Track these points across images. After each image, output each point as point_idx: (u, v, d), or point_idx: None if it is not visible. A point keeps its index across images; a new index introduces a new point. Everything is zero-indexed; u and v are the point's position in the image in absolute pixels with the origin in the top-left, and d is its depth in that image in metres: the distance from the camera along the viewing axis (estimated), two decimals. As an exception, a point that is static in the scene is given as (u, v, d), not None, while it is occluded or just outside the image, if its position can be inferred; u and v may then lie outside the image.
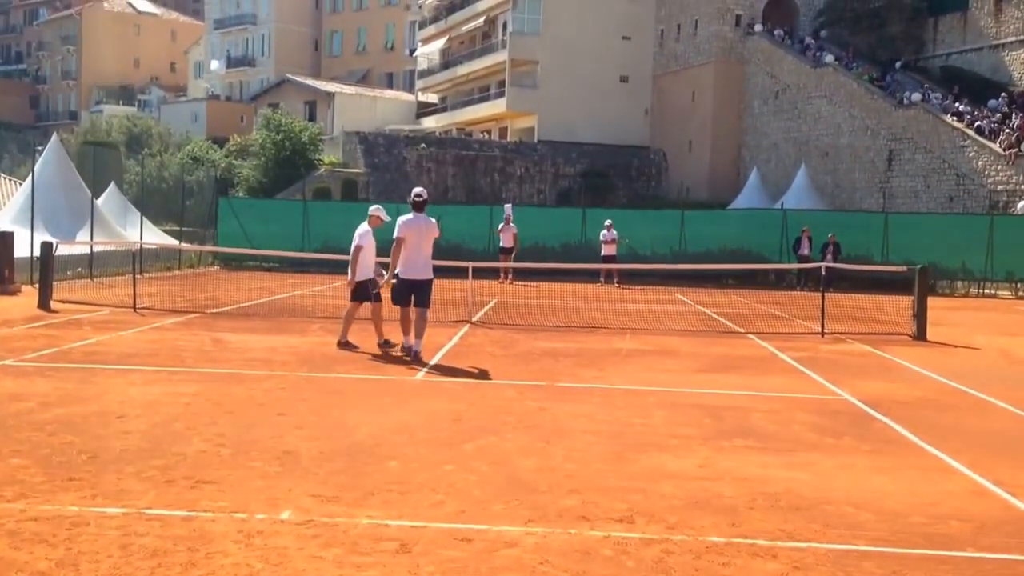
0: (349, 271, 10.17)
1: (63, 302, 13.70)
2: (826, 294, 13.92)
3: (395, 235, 9.38)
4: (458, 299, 14.46)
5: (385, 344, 10.07)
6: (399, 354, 9.76)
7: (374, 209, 10.53)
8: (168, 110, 67.55)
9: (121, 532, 4.21)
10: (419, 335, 9.56)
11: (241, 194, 36.55)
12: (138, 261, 15.44)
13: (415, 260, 9.45)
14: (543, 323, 13.55)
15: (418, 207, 9.57)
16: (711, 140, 40.83)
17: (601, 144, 43.25)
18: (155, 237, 24.40)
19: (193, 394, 7.43)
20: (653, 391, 8.43)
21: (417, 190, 9.86)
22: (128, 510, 4.52)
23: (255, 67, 68.94)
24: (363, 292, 10.18)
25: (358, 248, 10.01)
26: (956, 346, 12.54)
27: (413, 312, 9.63)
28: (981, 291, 24.37)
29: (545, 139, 43.58)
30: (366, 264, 10.19)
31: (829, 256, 22.23)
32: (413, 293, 9.52)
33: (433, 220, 9.69)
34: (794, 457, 6.13)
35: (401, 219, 9.48)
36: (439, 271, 10.23)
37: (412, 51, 60.26)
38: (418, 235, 9.45)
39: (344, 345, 10.24)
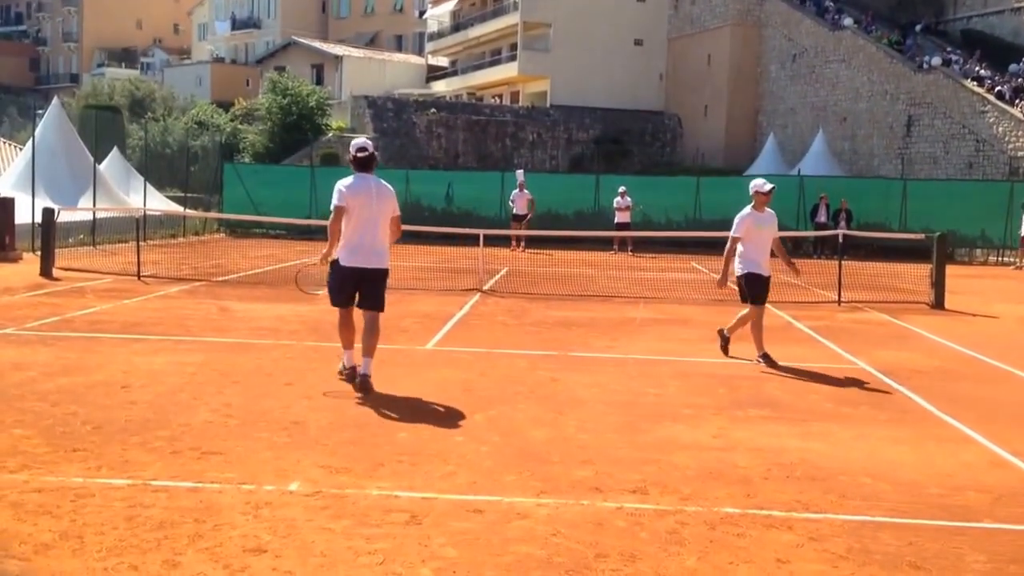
0: (722, 267, 8.34)
1: (65, 270, 13.62)
2: (843, 262, 13.74)
3: (332, 204, 6.51)
4: (469, 267, 14.34)
5: (765, 358, 8.12)
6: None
7: (756, 185, 8.23)
8: (172, 73, 66.79)
9: (127, 504, 4.17)
10: (368, 352, 6.53)
11: (247, 159, 36.25)
12: (142, 228, 15.34)
13: (361, 240, 6.50)
14: (555, 292, 13.44)
15: (363, 165, 6.58)
16: (727, 105, 40.23)
17: (615, 109, 42.67)
18: (159, 203, 24.18)
19: (199, 363, 7.38)
20: (667, 361, 8.35)
21: (358, 142, 6.70)
22: (134, 481, 4.47)
23: (261, 29, 68.11)
24: (752, 290, 8.25)
25: (735, 240, 8.20)
26: (974, 315, 12.37)
27: (359, 317, 6.70)
28: (1000, 259, 24.07)
29: (558, 104, 43.05)
30: (747, 257, 8.19)
31: (842, 223, 21.99)
32: (359, 289, 6.62)
33: (389, 186, 6.71)
34: (810, 427, 6.05)
35: (341, 183, 6.56)
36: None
37: (422, 13, 59.49)
38: (367, 205, 6.49)
39: (723, 339, 8.61)
